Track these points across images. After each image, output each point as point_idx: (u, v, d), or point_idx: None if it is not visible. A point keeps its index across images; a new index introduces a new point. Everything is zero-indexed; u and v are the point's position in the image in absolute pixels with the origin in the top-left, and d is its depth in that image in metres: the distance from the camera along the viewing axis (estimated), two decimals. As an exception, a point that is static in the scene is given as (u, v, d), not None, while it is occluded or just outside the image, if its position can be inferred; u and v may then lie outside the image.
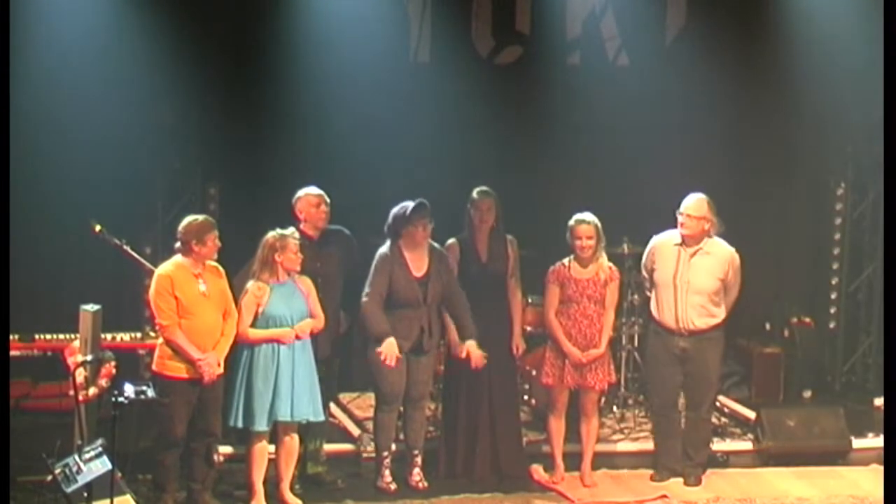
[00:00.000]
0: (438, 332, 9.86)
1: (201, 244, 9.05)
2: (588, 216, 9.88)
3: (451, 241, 10.00)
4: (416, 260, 9.72)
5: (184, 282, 9.02)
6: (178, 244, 9.11)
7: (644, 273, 10.28)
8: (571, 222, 9.88)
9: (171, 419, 9.03)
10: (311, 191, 9.75)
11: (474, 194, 9.98)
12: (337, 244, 9.85)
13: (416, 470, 9.92)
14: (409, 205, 9.67)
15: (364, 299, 9.61)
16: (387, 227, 9.73)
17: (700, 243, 9.99)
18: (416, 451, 9.93)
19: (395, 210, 9.72)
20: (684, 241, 10.00)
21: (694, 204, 9.98)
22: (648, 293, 10.26)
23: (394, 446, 9.98)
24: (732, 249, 10.10)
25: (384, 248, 9.71)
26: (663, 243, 10.12)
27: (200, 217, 9.25)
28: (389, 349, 9.54)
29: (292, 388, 9.23)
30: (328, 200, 9.75)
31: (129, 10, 10.90)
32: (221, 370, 9.10)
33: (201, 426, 9.16)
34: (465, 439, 10.03)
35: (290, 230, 9.35)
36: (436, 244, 9.83)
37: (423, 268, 9.73)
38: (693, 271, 9.95)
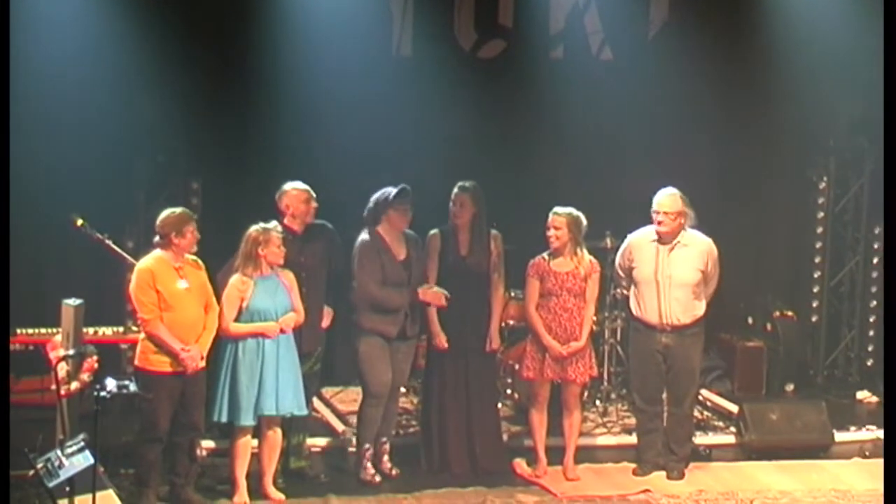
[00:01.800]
0: (419, 318, 9.89)
1: (180, 236, 9.04)
2: (562, 209, 9.86)
3: (433, 231, 10.01)
4: (396, 244, 9.77)
5: (164, 275, 9.00)
6: (156, 238, 9.10)
7: (620, 272, 10.26)
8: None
9: (153, 414, 9.01)
10: (297, 185, 9.73)
11: (455, 188, 10.00)
12: (321, 239, 9.84)
13: (385, 457, 9.96)
14: (392, 190, 9.70)
15: (369, 287, 9.61)
16: (367, 212, 9.74)
17: (677, 237, 9.99)
18: (384, 439, 9.95)
19: (376, 195, 9.75)
20: (661, 238, 9.99)
21: (667, 200, 9.96)
22: (626, 291, 10.26)
23: (377, 439, 10.04)
24: (709, 240, 10.10)
25: (364, 236, 9.72)
26: (640, 240, 10.10)
27: (178, 209, 9.24)
28: (435, 294, 9.75)
29: (277, 382, 9.22)
30: (314, 195, 9.76)
31: (112, 5, 10.87)
32: (204, 363, 9.09)
33: (184, 421, 9.14)
34: (442, 434, 10.03)
35: (273, 224, 9.34)
36: (411, 232, 9.88)
37: (403, 252, 9.79)
38: (674, 265, 9.95)
